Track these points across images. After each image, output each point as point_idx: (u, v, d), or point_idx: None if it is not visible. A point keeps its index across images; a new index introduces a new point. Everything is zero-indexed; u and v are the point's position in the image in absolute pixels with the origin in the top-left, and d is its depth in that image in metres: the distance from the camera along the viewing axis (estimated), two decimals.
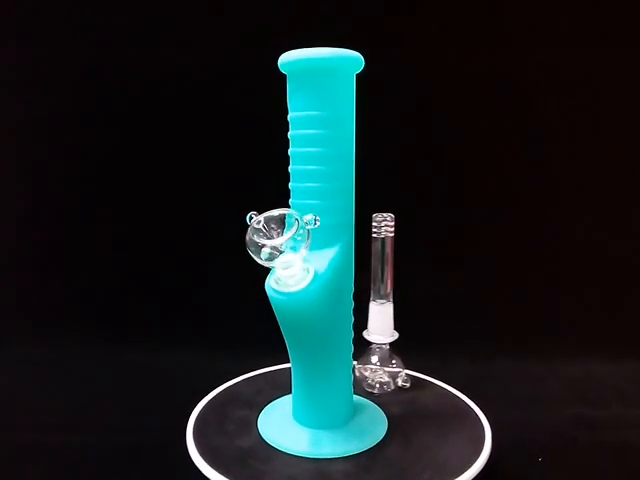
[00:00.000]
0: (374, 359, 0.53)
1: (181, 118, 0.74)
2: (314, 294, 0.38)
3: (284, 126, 0.44)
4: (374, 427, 0.46)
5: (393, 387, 0.53)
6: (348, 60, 0.40)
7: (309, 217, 0.37)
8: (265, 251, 0.36)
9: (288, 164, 0.44)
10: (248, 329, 0.74)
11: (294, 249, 0.37)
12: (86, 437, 0.53)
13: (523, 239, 0.74)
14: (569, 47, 0.70)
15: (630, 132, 0.72)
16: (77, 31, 0.73)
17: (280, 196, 0.46)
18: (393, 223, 0.51)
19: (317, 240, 0.39)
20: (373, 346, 0.53)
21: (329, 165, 0.41)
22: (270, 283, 0.40)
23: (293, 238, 0.36)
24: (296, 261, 0.37)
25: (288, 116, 0.43)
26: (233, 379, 0.57)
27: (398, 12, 0.70)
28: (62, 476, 0.48)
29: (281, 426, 0.46)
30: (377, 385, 0.52)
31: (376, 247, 0.51)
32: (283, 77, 0.44)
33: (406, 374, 0.54)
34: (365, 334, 0.53)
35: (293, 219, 0.37)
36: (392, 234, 0.51)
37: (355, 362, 0.52)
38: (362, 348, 0.53)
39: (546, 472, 0.48)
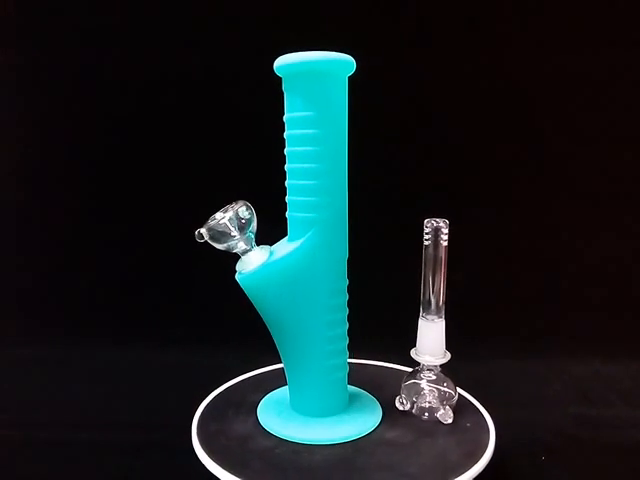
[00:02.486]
0: (423, 381, 0.47)
1: (180, 119, 0.74)
2: (261, 275, 0.43)
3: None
4: (358, 421, 0.46)
5: (443, 412, 0.46)
6: (340, 63, 0.42)
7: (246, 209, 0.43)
8: (204, 231, 0.42)
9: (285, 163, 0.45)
10: (250, 328, 0.74)
11: (240, 234, 0.43)
12: (87, 435, 0.54)
13: (524, 239, 0.74)
14: (570, 49, 0.70)
15: (631, 133, 0.72)
16: (77, 31, 0.73)
17: (279, 194, 0.47)
18: (447, 230, 0.45)
19: (294, 232, 0.44)
20: (422, 367, 0.48)
21: (312, 163, 0.43)
22: (237, 265, 0.45)
23: (235, 223, 0.43)
24: (242, 246, 0.43)
25: (284, 117, 0.44)
26: (236, 377, 0.57)
27: (398, 13, 0.70)
28: (63, 474, 0.48)
29: (276, 411, 0.48)
30: (426, 412, 0.47)
31: (426, 256, 0.46)
32: (279, 79, 0.44)
33: (449, 409, 0.46)
34: (413, 353, 0.48)
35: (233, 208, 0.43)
36: (445, 242, 0.45)
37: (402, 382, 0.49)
38: (411, 367, 0.50)
39: (549, 471, 0.48)
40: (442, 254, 0.46)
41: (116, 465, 0.49)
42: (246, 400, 0.51)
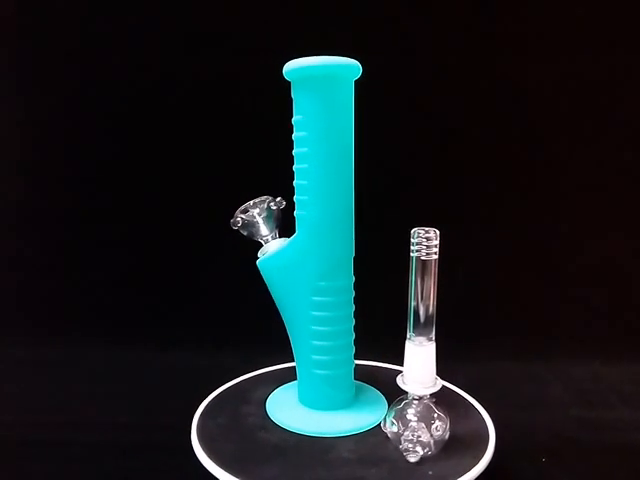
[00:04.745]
0: (410, 413, 0.41)
1: (181, 119, 0.74)
2: (265, 264, 0.47)
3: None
4: (333, 422, 0.46)
5: (434, 450, 0.41)
6: (347, 68, 0.43)
7: (277, 199, 0.49)
8: (237, 219, 0.48)
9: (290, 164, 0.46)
10: (250, 328, 0.74)
11: (264, 224, 0.48)
12: (87, 435, 0.54)
13: (524, 239, 0.74)
14: (570, 51, 0.70)
15: (631, 134, 0.72)
16: (77, 31, 0.73)
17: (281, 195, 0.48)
18: (437, 242, 0.40)
19: (297, 229, 0.47)
20: (409, 396, 0.42)
21: (322, 163, 0.44)
22: (259, 252, 0.49)
23: (261, 213, 0.48)
24: (265, 235, 0.48)
25: (292, 119, 0.45)
26: (237, 378, 0.57)
27: (397, 15, 0.70)
28: (63, 474, 0.48)
29: (283, 404, 0.49)
30: (415, 446, 0.40)
31: (414, 270, 0.40)
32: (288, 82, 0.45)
33: (420, 448, 0.40)
34: (399, 380, 0.42)
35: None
36: (436, 255, 0.40)
37: (387, 417, 0.43)
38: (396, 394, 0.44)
39: (549, 473, 0.48)
40: (432, 268, 0.40)
41: (116, 465, 0.49)
42: (246, 399, 0.51)
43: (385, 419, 0.43)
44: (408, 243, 0.49)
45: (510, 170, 0.73)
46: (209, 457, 0.42)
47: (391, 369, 0.58)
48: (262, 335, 0.71)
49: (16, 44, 0.74)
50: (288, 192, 0.47)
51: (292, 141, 0.45)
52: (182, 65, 0.72)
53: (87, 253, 0.78)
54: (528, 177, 0.73)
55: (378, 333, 0.57)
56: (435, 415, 0.41)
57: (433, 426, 0.41)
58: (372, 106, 0.47)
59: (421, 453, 0.40)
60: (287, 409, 0.48)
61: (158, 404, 0.60)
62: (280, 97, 0.46)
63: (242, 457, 0.42)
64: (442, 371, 0.55)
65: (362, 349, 0.51)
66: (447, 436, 0.41)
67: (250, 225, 0.48)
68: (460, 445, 0.43)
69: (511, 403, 0.60)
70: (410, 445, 0.40)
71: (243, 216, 0.48)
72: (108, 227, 0.77)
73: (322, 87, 0.42)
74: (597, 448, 0.52)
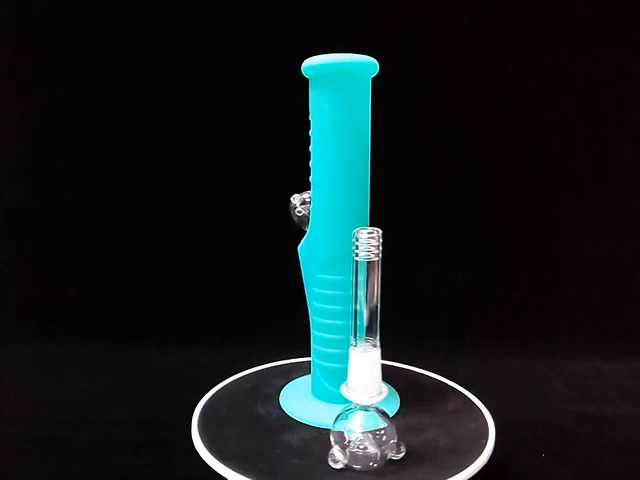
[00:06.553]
0: (355, 423, 0.39)
1: (182, 119, 0.74)
2: (300, 250, 0.49)
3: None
4: (324, 415, 0.45)
5: (380, 461, 0.38)
6: (366, 65, 0.44)
7: None
8: (296, 210, 0.49)
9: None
10: (249, 328, 0.74)
11: None
12: (87, 434, 0.54)
13: (523, 239, 0.74)
14: (570, 52, 0.70)
15: (632, 133, 0.72)
16: (78, 31, 0.73)
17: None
18: (379, 242, 0.38)
19: None
20: (354, 406, 0.39)
21: (340, 160, 0.45)
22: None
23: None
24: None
25: (309, 116, 0.46)
26: (236, 374, 0.57)
27: (397, 13, 0.71)
28: (63, 472, 0.48)
29: (298, 387, 0.51)
30: (359, 457, 0.38)
31: (357, 273, 0.38)
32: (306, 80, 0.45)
33: (398, 443, 0.39)
34: (344, 389, 0.40)
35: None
36: (377, 257, 0.38)
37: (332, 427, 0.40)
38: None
39: (549, 468, 0.48)
40: (375, 270, 0.38)
41: (116, 463, 0.49)
42: (246, 395, 0.52)
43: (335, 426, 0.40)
44: (409, 241, 0.50)
45: (510, 171, 0.73)
46: (199, 417, 0.46)
47: (412, 370, 0.58)
48: (260, 335, 0.71)
49: (16, 44, 0.74)
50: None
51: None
52: (185, 64, 0.73)
53: (87, 253, 0.78)
54: (528, 177, 0.73)
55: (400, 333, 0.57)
56: (381, 425, 0.39)
57: (379, 437, 0.38)
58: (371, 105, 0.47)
59: (343, 463, 0.38)
60: (296, 391, 0.50)
61: (158, 403, 0.60)
62: (291, 96, 0.47)
63: (220, 418, 0.46)
64: (442, 367, 0.55)
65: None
66: (396, 452, 0.39)
67: (304, 216, 0.49)
68: (459, 440, 0.43)
69: (511, 399, 0.60)
70: (337, 452, 0.39)
71: (304, 211, 0.49)
72: (108, 227, 0.77)
73: (341, 84, 0.43)
74: (597, 444, 0.52)
